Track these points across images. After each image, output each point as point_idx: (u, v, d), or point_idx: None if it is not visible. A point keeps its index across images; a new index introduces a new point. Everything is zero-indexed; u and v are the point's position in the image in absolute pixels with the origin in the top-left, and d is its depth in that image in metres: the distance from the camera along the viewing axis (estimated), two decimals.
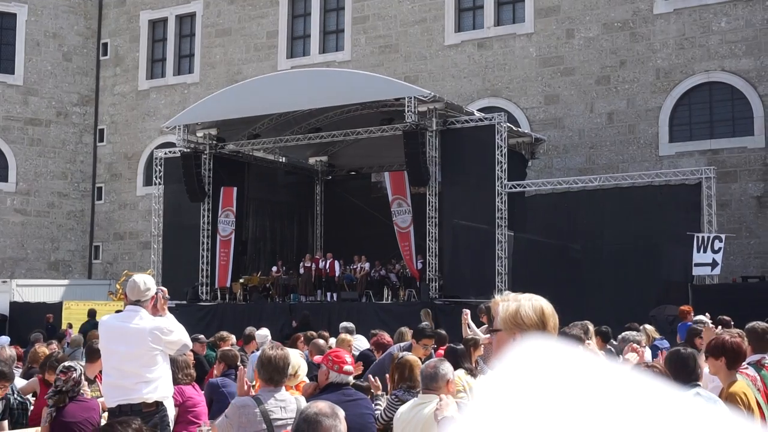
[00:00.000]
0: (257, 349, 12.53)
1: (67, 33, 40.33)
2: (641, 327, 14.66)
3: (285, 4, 36.58)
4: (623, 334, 11.52)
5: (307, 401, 5.99)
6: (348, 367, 7.10)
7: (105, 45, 41.05)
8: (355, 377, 7.85)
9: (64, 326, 27.21)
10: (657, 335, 14.45)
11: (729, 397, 6.32)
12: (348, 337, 13.23)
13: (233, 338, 13.93)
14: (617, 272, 24.17)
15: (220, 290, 29.68)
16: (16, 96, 38.98)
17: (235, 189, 29.95)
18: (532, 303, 3.25)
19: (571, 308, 23.41)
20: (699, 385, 5.98)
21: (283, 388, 6.46)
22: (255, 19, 37.09)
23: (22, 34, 39.34)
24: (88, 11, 40.93)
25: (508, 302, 3.29)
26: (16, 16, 39.32)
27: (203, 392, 9.57)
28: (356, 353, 13.16)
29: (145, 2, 40.14)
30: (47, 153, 39.46)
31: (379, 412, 7.84)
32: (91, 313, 25.50)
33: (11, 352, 11.30)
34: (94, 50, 41.01)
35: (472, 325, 12.31)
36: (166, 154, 30.89)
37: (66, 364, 7.80)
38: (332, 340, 13.25)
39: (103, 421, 7.54)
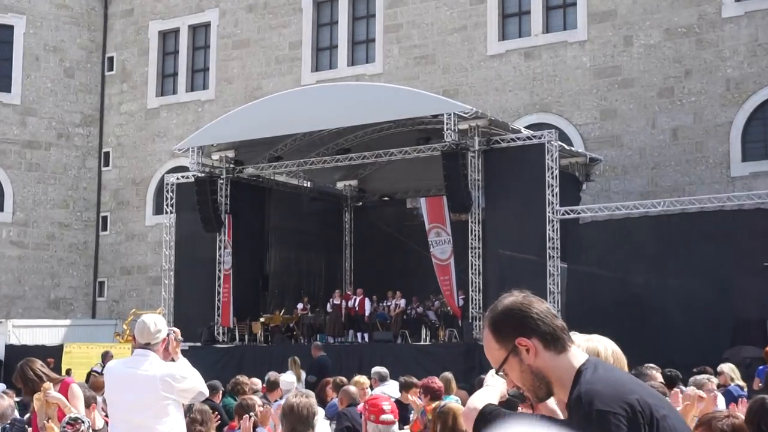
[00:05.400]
0: (281, 397, 12.50)
1: (69, 46, 40.78)
2: (718, 367, 14.44)
3: (309, 11, 36.81)
4: (694, 378, 11.36)
5: None
6: (386, 416, 7.08)
7: (111, 59, 41.46)
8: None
9: (63, 372, 27.26)
10: (736, 375, 14.17)
11: None
12: (362, 379, 13.18)
13: (258, 383, 13.88)
14: (685, 309, 23.93)
15: (238, 331, 29.70)
16: (12, 116, 39.42)
17: (230, 216, 29.89)
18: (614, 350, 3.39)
19: (632, 349, 23.17)
20: None
21: None
22: (276, 29, 37.33)
23: (19, 48, 39.81)
24: (92, 22, 41.39)
25: (589, 342, 3.40)
26: (13, 29, 39.79)
27: None
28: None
29: (154, 12, 40.56)
30: (47, 179, 39.81)
31: None
32: (105, 357, 24.44)
33: (9, 401, 11.28)
34: (98, 65, 41.43)
35: None
36: (178, 179, 31.05)
37: (72, 415, 7.83)
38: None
39: None
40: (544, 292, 24.58)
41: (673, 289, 24.57)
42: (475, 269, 25.82)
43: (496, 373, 3.22)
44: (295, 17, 37.03)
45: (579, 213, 26.39)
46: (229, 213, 29.95)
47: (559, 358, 3.05)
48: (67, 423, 7.66)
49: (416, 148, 28.19)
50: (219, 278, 29.85)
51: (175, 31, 40.19)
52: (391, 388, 13.71)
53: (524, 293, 3.15)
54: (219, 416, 12.35)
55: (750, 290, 23.71)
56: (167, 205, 31.17)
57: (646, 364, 8.93)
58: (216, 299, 29.75)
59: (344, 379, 13.81)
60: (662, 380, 10.26)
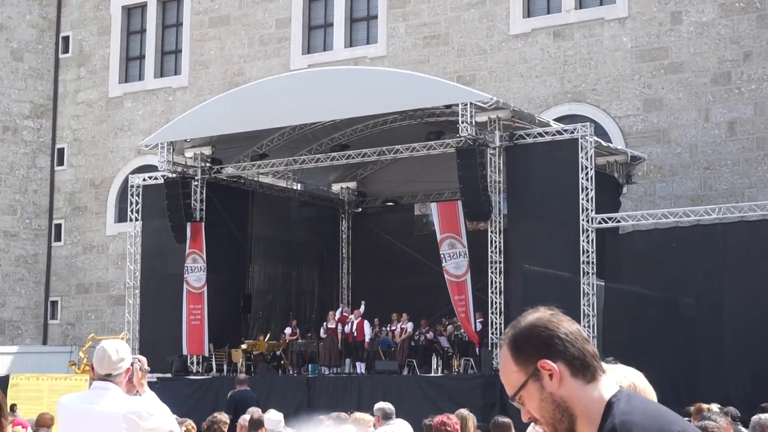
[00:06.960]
0: None
1: (17, 24, 40.78)
2: None
3: None
4: (757, 417, 11.25)
5: None
6: None
7: (66, 39, 41.47)
8: None
9: (7, 409, 27.17)
10: None
11: None
12: (366, 417, 13.02)
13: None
14: (744, 334, 23.93)
15: (215, 360, 29.64)
16: None
17: (203, 224, 29.80)
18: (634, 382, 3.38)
19: (682, 382, 23.22)
20: None
21: None
22: (260, 4, 37.35)
23: None
24: None
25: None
26: None
27: None
28: None
29: None
30: None
31: None
32: None
33: None
34: (51, 46, 41.44)
35: None
36: (145, 180, 31.03)
37: None
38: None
39: None
40: (578, 313, 24.53)
41: (730, 311, 24.51)
42: (496, 287, 25.79)
43: (511, 400, 3.15)
44: None
45: (618, 221, 26.35)
46: (201, 221, 29.83)
47: (587, 387, 2.98)
48: None
49: (426, 144, 28.18)
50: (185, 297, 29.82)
51: (142, 6, 40.22)
52: (397, 428, 13.60)
53: (552, 311, 3.06)
54: None
55: None
56: (132, 212, 31.15)
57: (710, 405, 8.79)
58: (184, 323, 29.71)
59: (345, 415, 13.66)
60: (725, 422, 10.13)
